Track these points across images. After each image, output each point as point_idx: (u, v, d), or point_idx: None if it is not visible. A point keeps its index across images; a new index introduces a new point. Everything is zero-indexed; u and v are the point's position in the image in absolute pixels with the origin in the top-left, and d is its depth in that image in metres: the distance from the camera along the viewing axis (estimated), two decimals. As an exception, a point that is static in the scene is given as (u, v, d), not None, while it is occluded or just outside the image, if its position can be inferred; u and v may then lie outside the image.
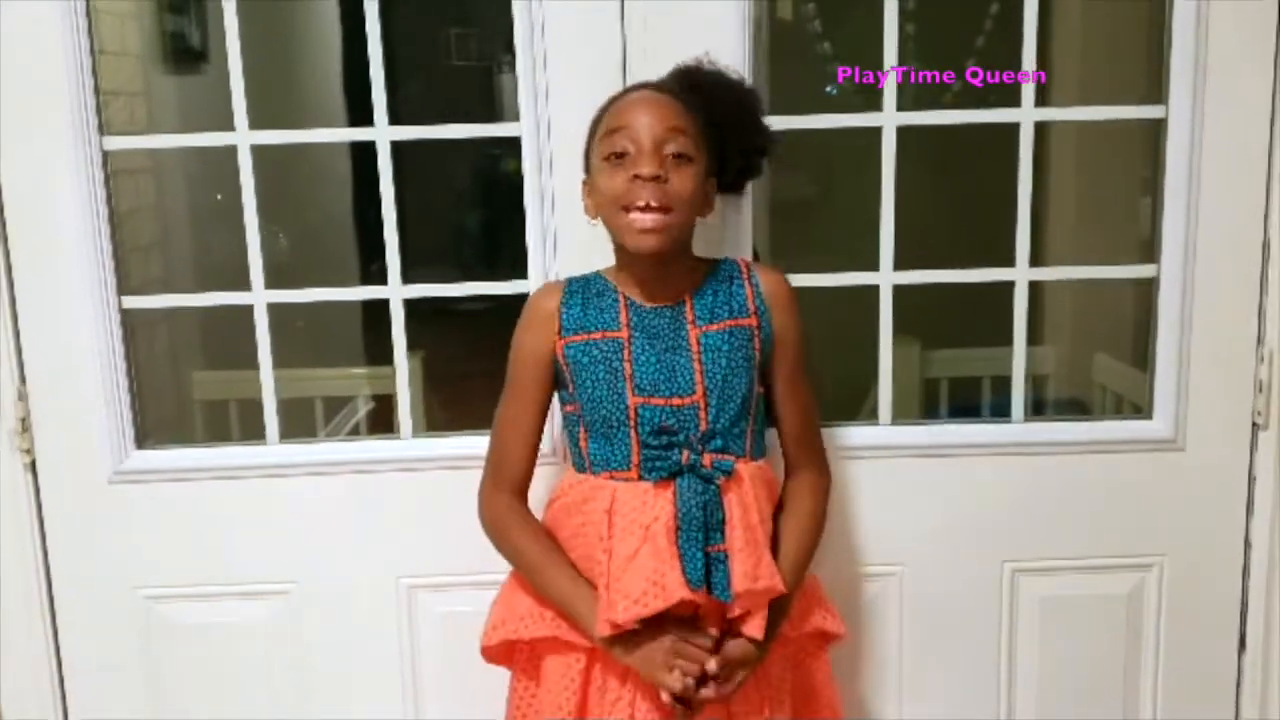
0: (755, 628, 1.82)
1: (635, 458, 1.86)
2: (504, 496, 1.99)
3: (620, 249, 1.91)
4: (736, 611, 1.82)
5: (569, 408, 1.94)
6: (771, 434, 2.02)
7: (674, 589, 1.78)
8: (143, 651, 2.31)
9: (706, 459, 1.83)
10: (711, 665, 1.80)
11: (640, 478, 1.86)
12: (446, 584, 2.29)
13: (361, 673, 2.33)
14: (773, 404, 1.99)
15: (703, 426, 1.86)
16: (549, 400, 1.98)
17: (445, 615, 2.30)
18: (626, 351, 1.87)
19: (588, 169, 1.93)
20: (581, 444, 1.92)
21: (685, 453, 1.83)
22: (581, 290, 1.94)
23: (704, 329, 1.88)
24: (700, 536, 1.81)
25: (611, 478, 1.88)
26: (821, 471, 2.04)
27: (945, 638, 2.32)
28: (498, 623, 1.99)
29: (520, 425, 1.98)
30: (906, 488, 2.27)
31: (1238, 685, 2.33)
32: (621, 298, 1.91)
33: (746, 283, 1.93)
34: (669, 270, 1.89)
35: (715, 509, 1.83)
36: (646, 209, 1.80)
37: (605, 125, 1.86)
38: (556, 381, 1.95)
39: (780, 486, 2.00)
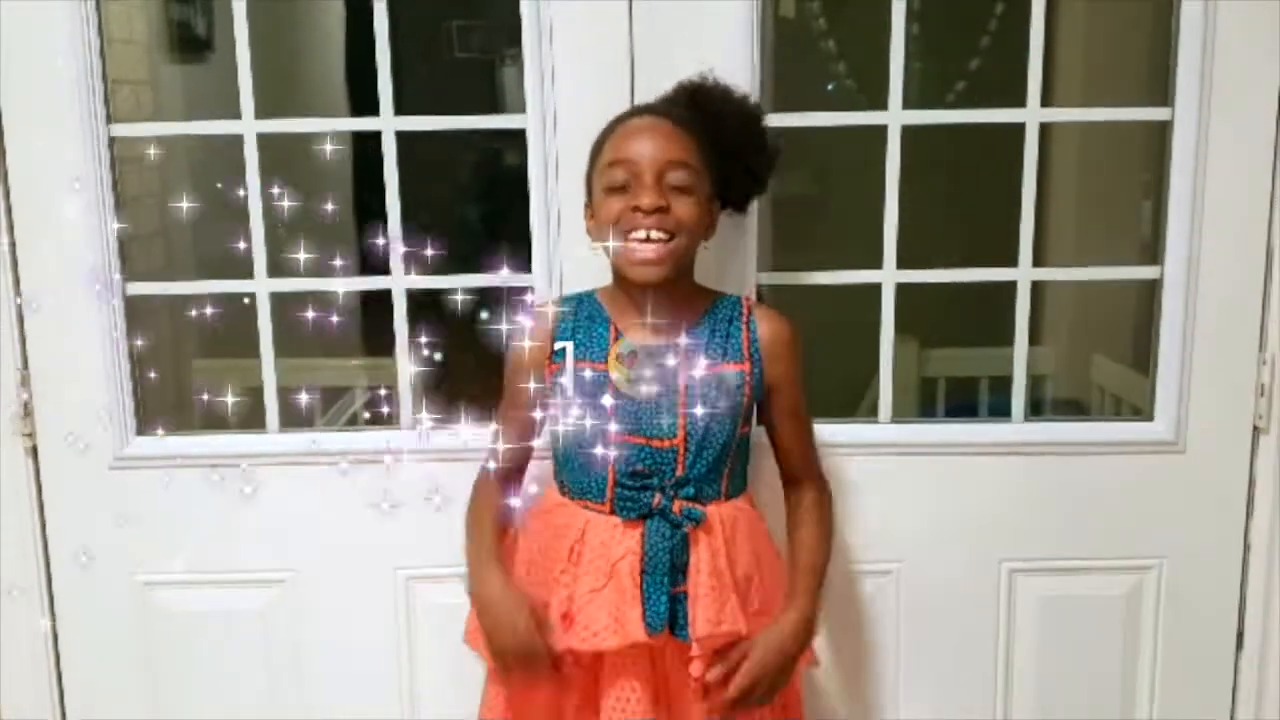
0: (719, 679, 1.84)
1: (610, 493, 1.88)
2: (489, 477, 2.02)
3: (619, 278, 1.91)
4: (695, 653, 1.84)
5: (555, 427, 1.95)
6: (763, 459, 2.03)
7: (632, 631, 1.81)
8: (140, 637, 2.32)
9: (676, 506, 1.85)
10: None
11: (613, 512, 1.88)
12: (444, 575, 2.29)
13: (358, 662, 2.33)
14: (770, 430, 2.01)
15: (679, 472, 1.87)
16: (531, 415, 1.99)
17: (442, 606, 2.29)
18: (611, 388, 1.88)
19: (589, 195, 1.93)
20: (562, 467, 1.95)
21: (657, 496, 1.85)
22: (574, 315, 1.94)
23: (692, 366, 1.88)
24: (665, 580, 1.83)
25: (585, 507, 1.90)
26: (822, 488, 2.05)
27: (942, 637, 2.33)
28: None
29: (516, 429, 2.00)
30: (905, 486, 2.27)
31: (1234, 687, 2.34)
32: (613, 329, 1.91)
33: (744, 326, 1.93)
34: (667, 299, 1.89)
35: (681, 552, 1.85)
36: (647, 240, 1.81)
37: (606, 156, 1.86)
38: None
39: (762, 519, 2.01)
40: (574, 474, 1.91)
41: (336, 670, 2.33)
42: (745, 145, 1.95)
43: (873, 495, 2.27)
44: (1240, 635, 2.32)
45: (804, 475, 2.03)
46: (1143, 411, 2.32)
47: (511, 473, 2.03)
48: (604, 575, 1.84)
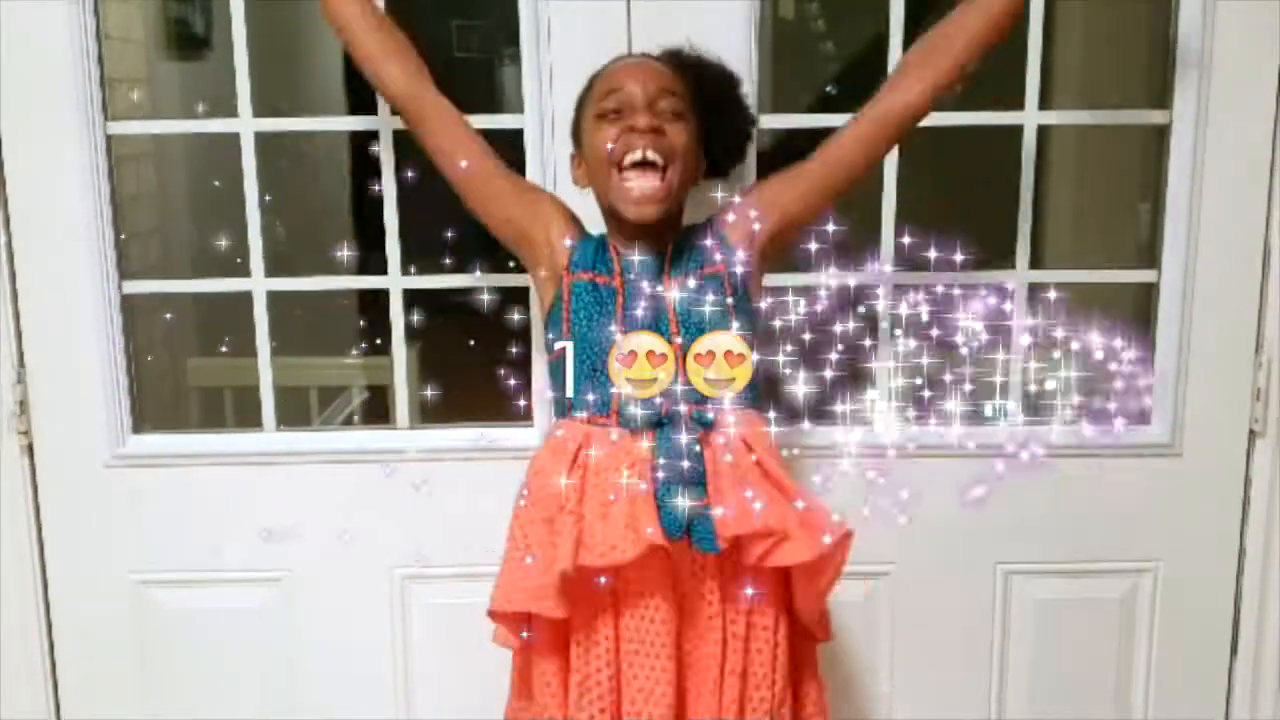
0: (792, 554, 1.80)
1: (615, 404, 1.86)
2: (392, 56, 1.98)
3: (610, 216, 1.91)
4: (725, 543, 1.79)
5: (554, 354, 1.93)
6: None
7: (648, 535, 1.75)
8: (135, 635, 2.32)
9: (686, 409, 1.83)
10: None
11: (619, 425, 1.85)
12: (439, 575, 2.30)
13: (353, 662, 2.33)
14: (843, 152, 1.93)
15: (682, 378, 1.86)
16: (504, 200, 1.95)
17: (437, 606, 2.31)
18: (620, 298, 1.88)
19: (576, 142, 1.93)
20: (567, 386, 1.91)
21: (664, 403, 1.83)
22: (592, 241, 1.94)
23: (679, 280, 1.88)
24: (679, 488, 1.79)
25: (591, 422, 1.87)
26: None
27: (936, 639, 2.33)
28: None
29: (481, 145, 1.95)
30: (900, 487, 2.27)
31: (1229, 691, 2.34)
32: (614, 249, 1.91)
33: (710, 232, 1.92)
34: (656, 239, 1.90)
35: (695, 460, 1.81)
36: (644, 165, 1.81)
37: (597, 90, 1.87)
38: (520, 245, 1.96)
39: (770, 437, 1.91)
40: (580, 387, 1.88)
41: (332, 669, 2.33)
42: (723, 102, 1.98)
43: (868, 496, 2.27)
44: (1235, 639, 2.33)
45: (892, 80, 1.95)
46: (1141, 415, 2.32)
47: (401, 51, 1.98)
48: (613, 490, 1.80)
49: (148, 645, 2.32)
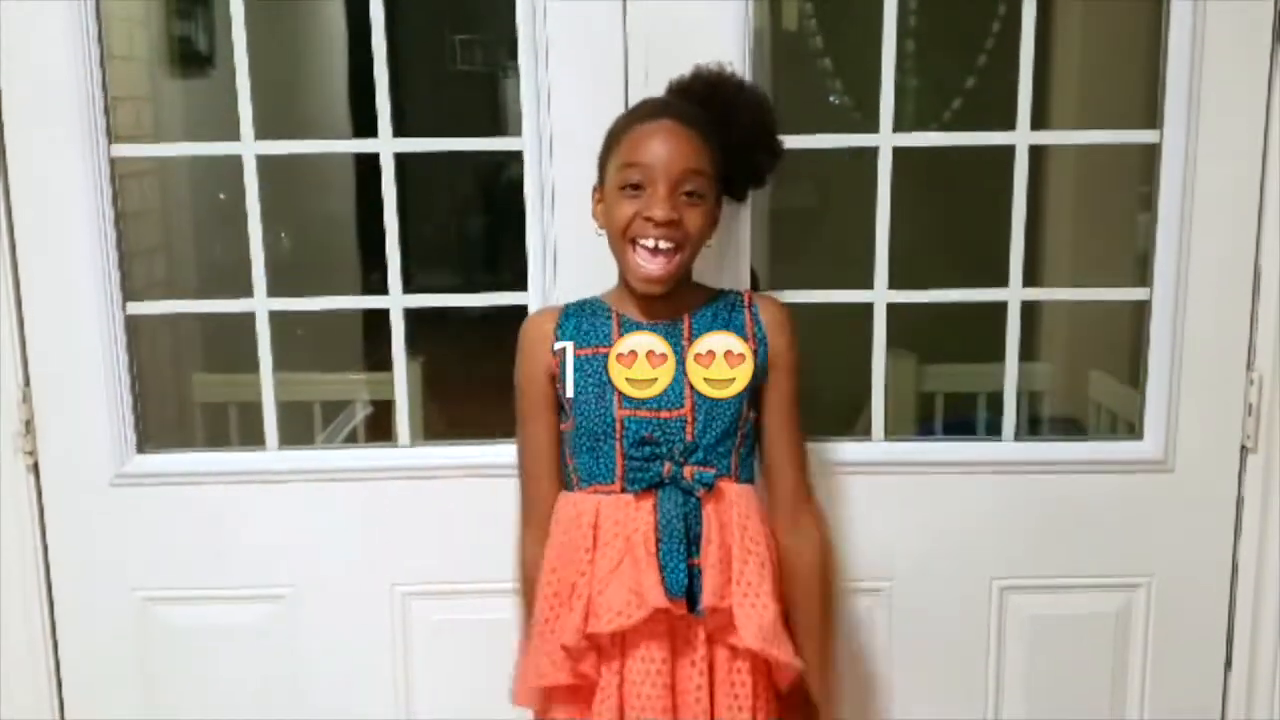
0: (748, 635, 1.84)
1: (619, 470, 1.89)
2: (536, 542, 1.99)
3: (621, 274, 1.93)
4: (709, 627, 1.87)
5: (564, 426, 1.96)
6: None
7: (651, 598, 1.80)
8: (139, 652, 2.33)
9: (688, 471, 1.86)
10: None
11: (624, 490, 1.88)
12: (442, 592, 2.31)
13: (355, 678, 2.34)
14: (763, 441, 1.99)
15: (688, 438, 1.88)
16: (560, 421, 1.99)
17: (440, 623, 2.32)
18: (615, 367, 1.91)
19: (601, 178, 1.94)
20: (569, 460, 1.95)
21: (667, 465, 1.86)
22: (577, 313, 1.97)
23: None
24: (681, 548, 1.83)
25: (596, 491, 1.91)
26: (820, 522, 2.03)
27: (933, 654, 2.33)
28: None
29: (540, 454, 1.99)
30: (897, 503, 2.29)
31: (1223, 706, 2.34)
32: (615, 316, 1.94)
33: (746, 311, 1.96)
34: (669, 297, 1.92)
35: (695, 522, 1.85)
36: (655, 252, 1.84)
37: (624, 154, 1.87)
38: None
39: (766, 508, 1.99)
40: (582, 460, 1.92)
41: (334, 685, 2.34)
42: (754, 141, 1.98)
43: (865, 513, 2.28)
44: (1230, 653, 2.33)
45: (801, 507, 1.99)
46: (1136, 430, 2.33)
47: (545, 508, 2.00)
48: (620, 552, 1.85)
49: (152, 662, 2.33)
